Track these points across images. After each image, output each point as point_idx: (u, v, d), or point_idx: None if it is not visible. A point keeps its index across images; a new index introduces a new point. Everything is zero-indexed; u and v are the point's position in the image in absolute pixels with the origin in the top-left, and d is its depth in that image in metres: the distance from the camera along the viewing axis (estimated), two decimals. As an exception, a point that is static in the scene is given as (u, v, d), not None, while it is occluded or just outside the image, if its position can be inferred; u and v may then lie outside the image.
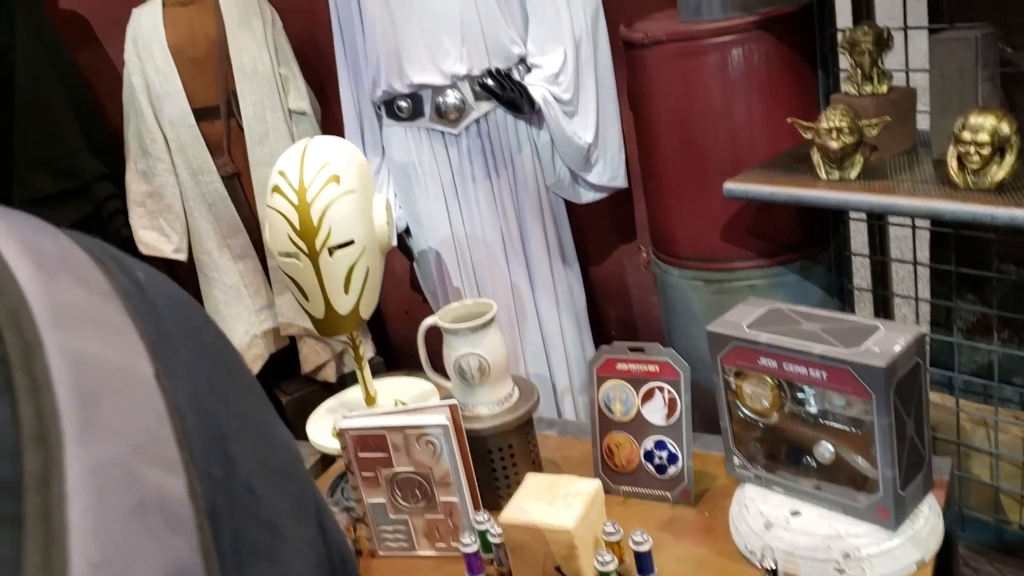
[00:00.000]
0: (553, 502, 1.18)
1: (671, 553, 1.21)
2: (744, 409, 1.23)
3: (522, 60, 1.92)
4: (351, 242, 1.37)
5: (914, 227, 1.72)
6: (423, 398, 1.51)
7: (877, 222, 1.84)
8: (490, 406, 1.33)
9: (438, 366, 1.43)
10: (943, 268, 1.68)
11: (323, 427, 1.49)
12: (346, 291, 1.37)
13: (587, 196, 2.05)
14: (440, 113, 1.90)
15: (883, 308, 1.95)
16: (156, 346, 0.28)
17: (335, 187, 1.35)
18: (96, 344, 0.26)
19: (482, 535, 1.22)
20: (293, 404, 2.38)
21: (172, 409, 0.27)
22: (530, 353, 2.04)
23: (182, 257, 2.35)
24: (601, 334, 2.26)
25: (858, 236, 1.90)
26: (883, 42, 1.58)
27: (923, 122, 1.64)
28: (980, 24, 1.47)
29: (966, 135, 1.36)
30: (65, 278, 0.27)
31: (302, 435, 1.51)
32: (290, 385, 2.45)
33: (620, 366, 1.31)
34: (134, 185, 2.31)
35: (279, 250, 1.38)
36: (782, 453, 1.23)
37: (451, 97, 1.88)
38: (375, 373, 1.55)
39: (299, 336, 2.40)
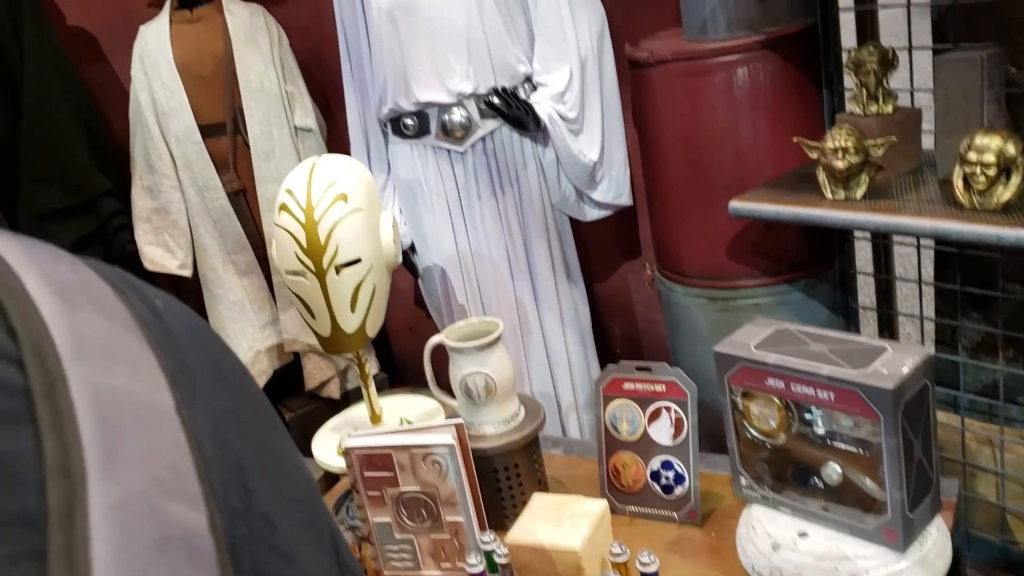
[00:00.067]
0: (560, 523, 1.18)
1: (678, 574, 1.20)
2: (751, 430, 1.23)
3: (528, 78, 1.93)
4: (358, 260, 1.37)
5: (919, 246, 1.72)
6: (428, 416, 1.51)
7: (882, 241, 1.85)
8: (496, 425, 1.33)
9: (443, 383, 1.43)
10: (948, 287, 1.68)
11: (328, 445, 1.49)
12: (352, 309, 1.38)
13: (592, 214, 2.06)
14: (446, 131, 1.91)
15: (888, 327, 1.95)
16: (176, 376, 0.28)
17: (342, 206, 1.35)
18: (118, 376, 0.26)
19: (488, 555, 1.21)
20: (297, 421, 2.37)
21: (192, 441, 0.27)
22: (535, 370, 2.04)
23: (187, 273, 2.35)
24: (606, 351, 2.25)
25: (862, 254, 1.90)
26: (888, 62, 1.59)
27: (928, 142, 1.65)
28: (985, 44, 1.48)
29: (972, 156, 1.36)
30: (87, 309, 0.27)
31: (307, 453, 1.51)
32: (294, 401, 2.44)
33: (627, 385, 1.31)
34: (140, 201, 2.32)
35: (286, 268, 1.38)
36: (789, 474, 1.23)
37: (457, 115, 1.89)
38: (379, 389, 1.55)
39: (303, 352, 2.40)
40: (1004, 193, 1.36)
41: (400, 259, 1.48)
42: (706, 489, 1.32)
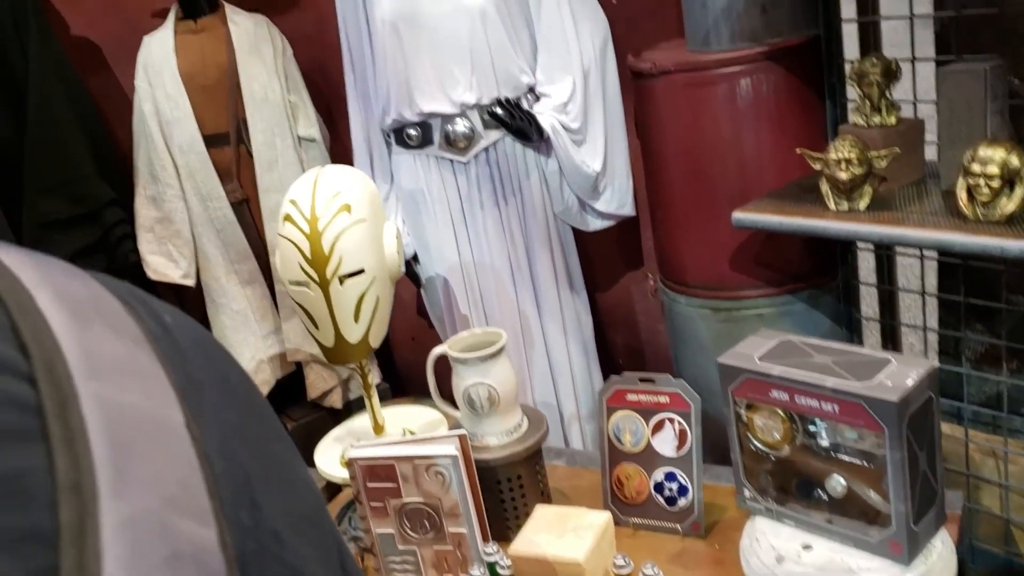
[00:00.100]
0: (563, 534, 1.18)
1: (682, 587, 1.20)
2: (755, 441, 1.22)
3: (531, 89, 1.94)
4: (361, 271, 1.37)
5: (922, 257, 1.72)
6: (431, 427, 1.51)
7: (885, 252, 1.84)
8: (499, 436, 1.33)
9: (446, 393, 1.43)
10: (952, 299, 1.68)
11: (331, 456, 1.49)
12: (356, 320, 1.38)
13: (595, 224, 2.06)
14: (449, 141, 1.91)
15: (891, 338, 1.94)
16: (185, 391, 0.28)
17: (346, 216, 1.36)
18: (129, 393, 0.26)
19: (491, 567, 1.21)
20: (299, 430, 2.37)
21: (202, 457, 0.27)
22: (537, 380, 2.04)
23: (190, 283, 2.35)
24: (608, 361, 2.25)
25: (864, 264, 1.90)
26: (891, 73, 1.59)
27: (930, 153, 1.65)
28: (988, 56, 1.48)
29: (975, 167, 1.36)
30: (98, 325, 0.27)
31: (309, 463, 1.51)
32: (296, 411, 2.44)
33: (630, 397, 1.31)
34: (143, 210, 2.32)
35: (290, 278, 1.39)
36: (793, 486, 1.22)
37: (460, 125, 1.89)
38: (381, 399, 1.55)
39: (305, 362, 2.40)
40: (1008, 205, 1.36)
41: (403, 269, 1.47)
42: (710, 501, 1.32)
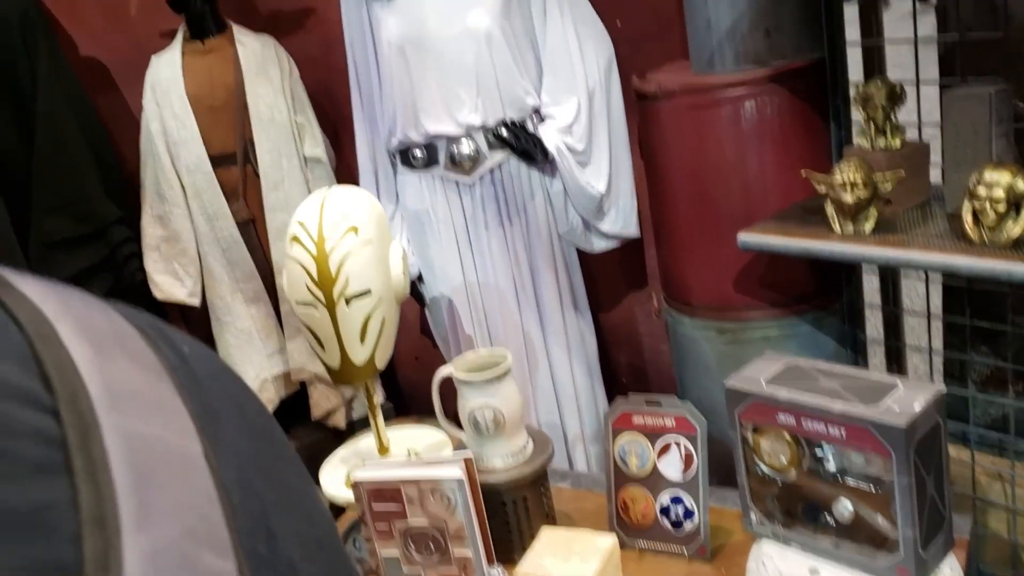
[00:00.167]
0: (569, 557, 1.17)
1: (688, 611, 1.19)
2: (762, 465, 1.22)
3: (536, 110, 1.94)
4: (368, 292, 1.37)
5: (927, 280, 1.72)
6: (436, 448, 1.50)
7: (890, 274, 1.84)
8: (504, 458, 1.33)
9: (450, 413, 1.43)
10: (958, 321, 1.68)
11: (336, 477, 1.48)
12: (362, 341, 1.38)
13: (599, 245, 2.06)
14: (454, 162, 1.92)
15: (896, 359, 1.94)
16: (203, 422, 0.28)
17: (353, 237, 1.36)
18: (150, 425, 0.26)
19: (496, 591, 1.20)
20: (303, 450, 2.37)
21: (220, 487, 0.27)
22: (541, 401, 2.04)
23: (195, 302, 2.36)
24: (612, 381, 2.25)
25: (869, 285, 1.90)
26: (896, 97, 1.60)
27: (935, 175, 1.65)
28: (993, 79, 1.48)
29: (981, 191, 1.36)
30: (119, 357, 0.28)
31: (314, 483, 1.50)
32: (299, 431, 2.44)
33: (636, 419, 1.30)
34: (150, 229, 2.33)
35: (296, 299, 1.39)
36: (800, 510, 1.22)
37: (465, 147, 1.90)
38: (385, 419, 1.54)
39: (310, 381, 2.40)
40: (1014, 228, 1.36)
41: (408, 290, 1.48)
42: (716, 524, 1.31)
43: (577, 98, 1.91)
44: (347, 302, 1.36)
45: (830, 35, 1.66)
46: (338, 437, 2.33)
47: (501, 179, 1.93)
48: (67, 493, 0.23)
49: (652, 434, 1.29)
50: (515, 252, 1.97)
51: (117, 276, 2.35)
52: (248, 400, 0.34)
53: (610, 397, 2.17)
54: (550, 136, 1.91)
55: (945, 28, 1.80)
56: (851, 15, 1.72)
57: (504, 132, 1.88)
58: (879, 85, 1.59)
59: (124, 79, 2.52)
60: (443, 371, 1.39)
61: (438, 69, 1.86)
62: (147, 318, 0.32)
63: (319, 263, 1.35)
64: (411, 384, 2.64)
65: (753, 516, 1.25)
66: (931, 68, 1.71)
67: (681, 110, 1.79)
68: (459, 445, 1.48)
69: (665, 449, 1.29)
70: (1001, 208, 1.36)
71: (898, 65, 1.77)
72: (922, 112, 1.65)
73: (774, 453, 1.20)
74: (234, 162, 2.25)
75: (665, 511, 1.30)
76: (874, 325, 2.00)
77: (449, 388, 1.40)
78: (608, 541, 1.19)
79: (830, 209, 1.55)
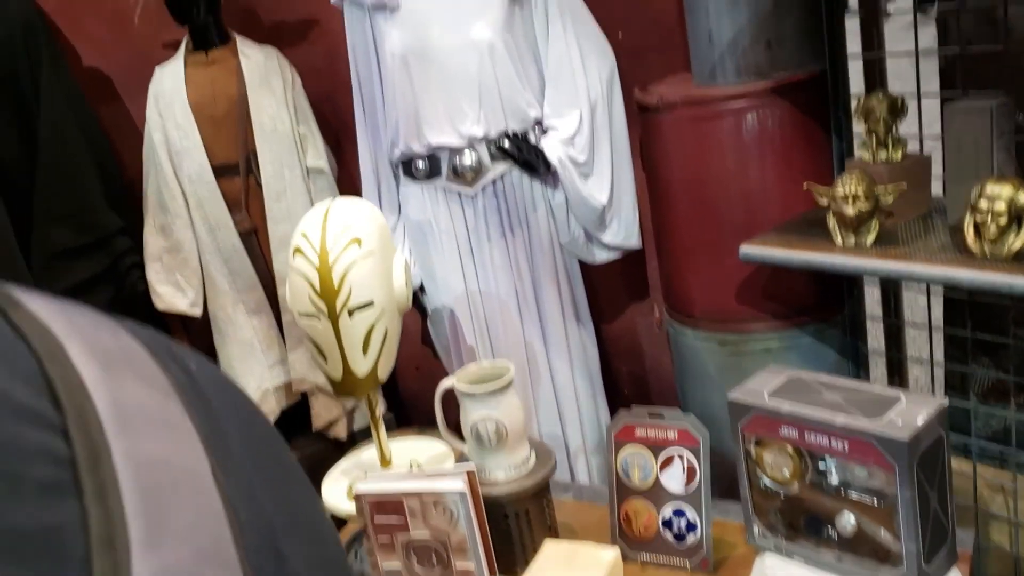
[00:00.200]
0: (572, 570, 1.17)
1: (691, 625, 1.19)
2: (765, 478, 1.22)
3: (538, 122, 1.95)
4: (370, 303, 1.37)
5: (929, 292, 1.72)
6: (438, 460, 1.50)
7: (891, 286, 1.85)
8: (507, 471, 1.32)
9: (451, 423, 1.43)
10: (959, 333, 1.68)
11: (338, 489, 1.48)
12: (364, 352, 1.38)
13: (601, 256, 2.07)
14: (457, 173, 1.92)
15: (897, 371, 1.94)
16: (211, 441, 0.28)
17: (356, 249, 1.36)
18: (159, 445, 0.26)
19: (499, 604, 1.20)
20: (303, 462, 2.35)
21: (228, 507, 0.27)
22: (543, 412, 2.04)
23: (197, 312, 2.36)
24: (613, 392, 2.25)
25: (870, 296, 1.90)
26: (898, 110, 1.60)
27: (935, 188, 1.66)
28: (994, 92, 1.49)
29: (983, 204, 1.37)
30: (128, 377, 0.28)
31: (315, 495, 1.50)
32: (301, 441, 2.43)
33: (639, 432, 1.30)
34: (152, 240, 2.33)
35: (299, 310, 1.39)
36: (803, 523, 1.22)
37: (468, 158, 1.91)
38: (386, 429, 1.54)
39: (311, 392, 2.39)
40: (1016, 242, 1.36)
41: (411, 302, 1.48)
42: (718, 537, 1.31)
43: (579, 110, 1.92)
44: (350, 314, 1.36)
45: (831, 48, 1.67)
46: (339, 448, 2.33)
47: (503, 190, 1.94)
48: (76, 514, 0.23)
49: (655, 446, 1.29)
50: (517, 263, 1.98)
51: (119, 286, 2.36)
52: (255, 417, 0.34)
53: (612, 408, 2.17)
54: (552, 148, 1.91)
55: (946, 41, 1.81)
56: (852, 27, 1.72)
57: (506, 143, 1.88)
58: (880, 98, 1.60)
59: (127, 89, 2.52)
60: (445, 383, 1.39)
61: (441, 80, 1.86)
62: (154, 334, 0.32)
63: (322, 275, 1.35)
64: (412, 394, 2.64)
65: (756, 529, 1.25)
66: (931, 80, 1.72)
67: (683, 122, 1.79)
68: (461, 457, 1.48)
69: (668, 462, 1.29)
70: (1003, 221, 1.36)
71: (898, 76, 1.78)
72: (923, 124, 1.66)
73: (777, 466, 1.20)
74: (236, 173, 2.26)
75: (668, 524, 1.30)
76: (875, 337, 2.00)
77: (451, 399, 1.40)
78: (611, 554, 1.19)
79: (832, 221, 1.55)
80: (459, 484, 1.22)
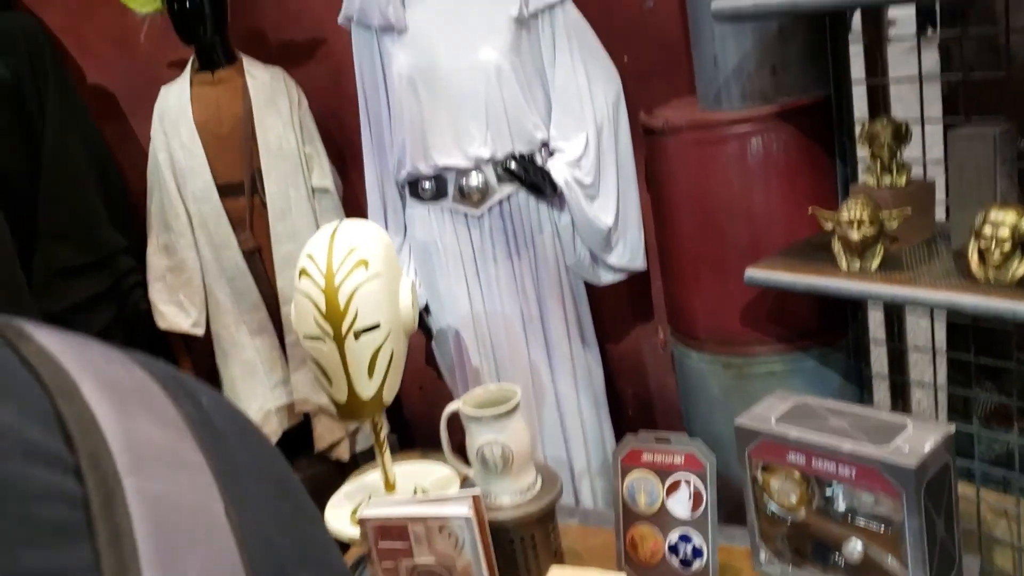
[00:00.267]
0: (578, 597, 1.16)
1: (697, 652, 1.18)
2: (771, 504, 1.22)
3: (544, 144, 1.96)
4: (377, 326, 1.37)
5: (932, 316, 1.72)
6: (443, 484, 1.50)
7: (895, 309, 1.85)
8: (513, 495, 1.32)
9: (455, 445, 1.42)
10: (963, 358, 1.68)
11: (342, 513, 1.48)
12: (370, 375, 1.38)
13: (607, 277, 2.07)
14: (463, 194, 1.93)
15: (901, 395, 1.94)
16: (224, 478, 0.28)
17: (363, 271, 1.36)
18: (172, 484, 0.26)
19: (504, 630, 1.20)
20: (305, 483, 2.33)
21: (242, 546, 0.27)
22: (548, 434, 2.03)
23: (199, 332, 2.35)
24: (618, 413, 2.25)
25: (873, 319, 1.90)
26: (901, 135, 1.61)
27: (939, 213, 1.66)
28: (997, 119, 1.50)
29: (987, 230, 1.37)
30: (141, 413, 0.27)
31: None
32: (302, 463, 2.42)
33: (645, 456, 1.30)
34: (155, 259, 2.33)
35: (305, 333, 1.39)
36: (809, 549, 1.22)
37: (474, 179, 1.91)
38: (390, 451, 1.54)
39: (313, 413, 2.39)
40: (1019, 268, 1.36)
41: (417, 324, 1.48)
42: (725, 562, 1.31)
43: (586, 133, 1.93)
44: (356, 336, 1.36)
45: (836, 73, 1.68)
46: (341, 469, 2.32)
47: (509, 211, 1.94)
48: (89, 558, 0.23)
49: (661, 471, 1.29)
50: (523, 284, 1.98)
51: (121, 305, 2.35)
52: (266, 451, 0.34)
53: (616, 428, 2.16)
54: (558, 169, 1.92)
55: (948, 67, 1.82)
56: (856, 52, 1.74)
57: (513, 165, 1.89)
58: (885, 123, 1.61)
59: (132, 108, 2.53)
60: (452, 407, 1.39)
61: (448, 102, 1.87)
62: (164, 367, 0.32)
63: (328, 297, 1.35)
64: (415, 414, 2.63)
65: (763, 555, 1.24)
66: (933, 104, 1.73)
67: (688, 145, 1.80)
68: (465, 481, 1.48)
69: (674, 487, 1.28)
70: (1006, 247, 1.37)
71: (900, 100, 1.79)
72: (926, 149, 1.67)
73: (784, 492, 1.20)
74: (241, 192, 2.26)
75: (674, 549, 1.29)
76: (877, 357, 2.01)
77: (455, 421, 1.39)
78: (617, 580, 1.19)
79: (837, 246, 1.56)
80: (464, 509, 1.21)
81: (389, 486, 1.49)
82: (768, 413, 1.21)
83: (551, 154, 1.96)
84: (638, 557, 1.32)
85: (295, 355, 2.32)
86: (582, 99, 1.92)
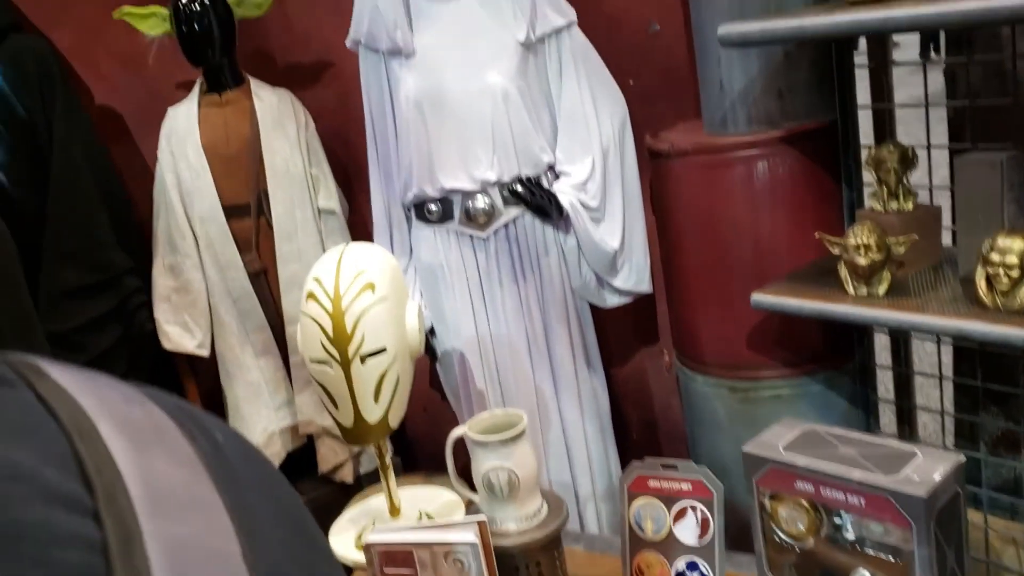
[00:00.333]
0: (584, 626, 1.15)
1: None
2: (779, 532, 1.21)
3: (551, 167, 1.96)
4: (383, 350, 1.37)
5: (939, 342, 1.72)
6: (448, 510, 1.49)
7: (901, 334, 1.84)
8: (519, 522, 1.31)
9: (459, 468, 1.42)
10: (969, 383, 1.67)
11: (346, 537, 1.47)
12: (376, 400, 1.37)
13: (612, 300, 2.07)
14: (469, 217, 1.93)
15: (907, 420, 1.93)
16: (239, 518, 0.28)
17: (370, 295, 1.36)
18: (190, 527, 0.26)
19: (510, 658, 1.19)
20: (309, 505, 2.31)
21: None
22: (553, 459, 2.02)
23: (204, 353, 2.35)
24: (623, 435, 2.24)
25: (878, 343, 1.89)
26: (908, 161, 1.61)
27: (945, 238, 1.66)
28: (1004, 145, 1.50)
29: (994, 256, 1.37)
30: (158, 454, 0.27)
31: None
32: (306, 485, 2.41)
33: (652, 483, 1.29)
34: (161, 280, 2.34)
35: (311, 356, 1.39)
36: (818, 579, 1.20)
37: (480, 202, 1.92)
38: (394, 473, 1.53)
39: (317, 435, 2.38)
40: (1028, 295, 1.36)
41: (424, 348, 1.48)
42: (731, 591, 1.30)
43: (592, 156, 1.93)
44: (362, 360, 1.36)
45: (842, 98, 1.68)
46: (345, 491, 2.31)
47: (515, 234, 1.94)
48: None
49: (668, 498, 1.28)
50: (528, 307, 1.98)
51: (127, 326, 2.35)
52: (279, 487, 0.34)
53: (620, 450, 2.16)
54: (565, 192, 1.92)
55: (954, 92, 1.83)
56: (861, 76, 1.74)
57: (519, 188, 1.89)
58: (892, 149, 1.61)
59: (139, 129, 2.54)
60: (457, 432, 1.38)
61: (455, 125, 1.88)
62: (178, 403, 0.32)
63: (335, 320, 1.35)
64: (418, 435, 2.62)
65: (770, 584, 1.23)
66: (936, 128, 1.73)
67: (694, 169, 1.80)
68: (470, 504, 1.47)
69: (681, 514, 1.28)
70: (1015, 274, 1.36)
71: (904, 122, 1.79)
72: (931, 175, 1.67)
73: (792, 520, 1.20)
74: (247, 213, 2.27)
75: (680, 577, 1.28)
76: (882, 381, 2.00)
77: (460, 445, 1.39)
78: (624, 608, 1.18)
79: (843, 271, 1.56)
80: (470, 535, 1.21)
81: (394, 511, 1.48)
82: (776, 441, 1.20)
83: (557, 177, 1.96)
84: (645, 585, 1.31)
85: (299, 376, 2.32)
86: (588, 123, 1.93)
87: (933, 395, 1.75)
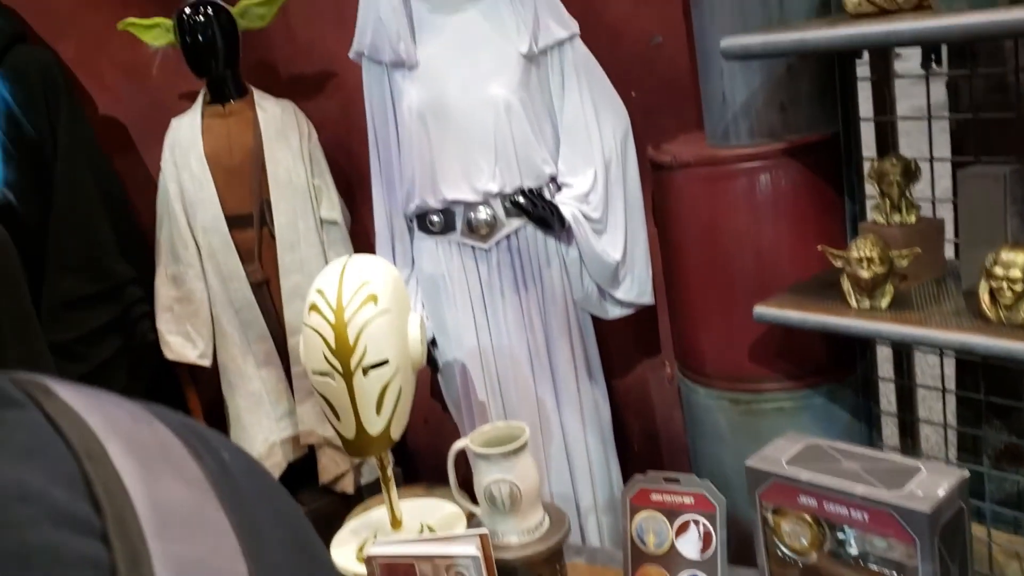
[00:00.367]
0: (586, 640, 1.15)
1: None
2: (782, 547, 1.21)
3: (553, 179, 1.97)
4: (385, 362, 1.37)
5: (942, 355, 1.72)
6: (450, 522, 1.49)
7: (904, 346, 1.84)
8: (520, 535, 1.31)
9: (461, 480, 1.41)
10: (972, 396, 1.67)
11: (347, 549, 1.46)
12: (378, 412, 1.37)
13: (614, 312, 2.07)
14: (471, 228, 1.93)
15: (910, 433, 1.93)
16: (247, 539, 0.28)
17: (372, 307, 1.36)
18: (197, 548, 0.26)
19: (512, 673, 1.18)
20: (310, 515, 2.32)
21: None
22: (554, 471, 2.02)
23: (206, 363, 2.35)
24: (624, 447, 2.23)
25: (881, 356, 1.89)
26: (911, 173, 1.61)
27: (948, 251, 1.66)
28: (1007, 159, 1.50)
29: (998, 270, 1.37)
30: (166, 474, 0.27)
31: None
32: (307, 495, 2.41)
33: (654, 497, 1.29)
34: (163, 290, 2.34)
35: (313, 368, 1.39)
36: (821, 594, 1.20)
37: (483, 213, 1.92)
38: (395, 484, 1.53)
39: (318, 445, 2.38)
40: (1031, 309, 1.36)
41: (426, 359, 1.47)
42: (734, 605, 1.29)
43: (594, 168, 1.93)
44: (364, 372, 1.36)
45: (844, 111, 1.68)
46: (346, 502, 2.31)
47: (517, 245, 1.95)
48: None
49: (670, 512, 1.28)
50: (530, 318, 1.98)
51: (129, 335, 2.35)
52: (284, 504, 0.34)
53: (621, 461, 2.15)
54: (566, 204, 1.93)
55: (957, 105, 1.83)
56: (863, 88, 1.74)
57: (521, 199, 1.90)
58: (894, 162, 1.61)
59: (143, 139, 2.55)
60: (459, 444, 1.38)
61: (458, 137, 1.88)
62: (185, 421, 0.32)
63: (338, 332, 1.35)
64: (419, 446, 2.62)
65: (773, 599, 1.23)
66: (939, 140, 1.73)
67: (696, 181, 1.80)
68: (471, 516, 1.47)
69: (683, 527, 1.27)
70: (1018, 288, 1.36)
71: (906, 134, 1.79)
72: (933, 188, 1.67)
73: (795, 535, 1.19)
74: (250, 223, 2.27)
75: (683, 591, 1.28)
76: (884, 394, 2.00)
77: (461, 457, 1.38)
78: (626, 623, 1.17)
79: (846, 284, 1.55)
80: (472, 548, 1.20)
81: (395, 523, 1.48)
82: (779, 455, 1.20)
83: (559, 189, 1.97)
84: (647, 599, 1.31)
85: (301, 387, 2.31)
86: (590, 134, 1.93)
87: (936, 408, 1.75)
